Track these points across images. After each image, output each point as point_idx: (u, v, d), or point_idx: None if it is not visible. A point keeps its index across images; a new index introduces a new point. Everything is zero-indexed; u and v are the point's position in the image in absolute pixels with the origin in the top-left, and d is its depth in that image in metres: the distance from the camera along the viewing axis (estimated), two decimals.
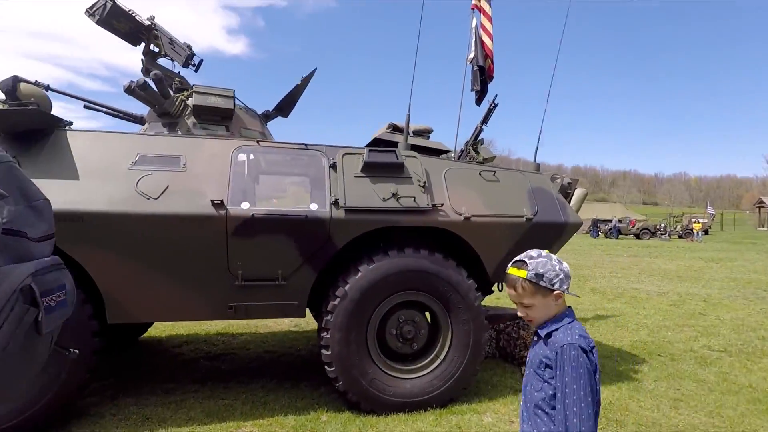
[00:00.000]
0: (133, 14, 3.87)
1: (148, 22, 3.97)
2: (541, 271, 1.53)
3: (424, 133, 4.41)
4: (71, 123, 3.48)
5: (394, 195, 3.57)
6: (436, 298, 3.70)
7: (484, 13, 5.52)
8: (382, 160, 3.66)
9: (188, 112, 3.93)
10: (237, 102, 4.12)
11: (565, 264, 1.59)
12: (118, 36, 3.96)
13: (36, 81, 3.78)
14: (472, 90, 5.72)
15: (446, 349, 3.75)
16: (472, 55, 5.69)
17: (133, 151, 3.31)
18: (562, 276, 1.54)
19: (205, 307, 3.40)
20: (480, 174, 3.99)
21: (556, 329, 1.54)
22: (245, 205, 3.30)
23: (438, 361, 3.75)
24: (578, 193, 4.53)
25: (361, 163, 3.62)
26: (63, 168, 3.14)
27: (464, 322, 3.73)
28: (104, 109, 4.16)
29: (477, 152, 5.15)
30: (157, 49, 4.05)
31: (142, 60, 4.07)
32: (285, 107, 4.61)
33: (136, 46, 4.08)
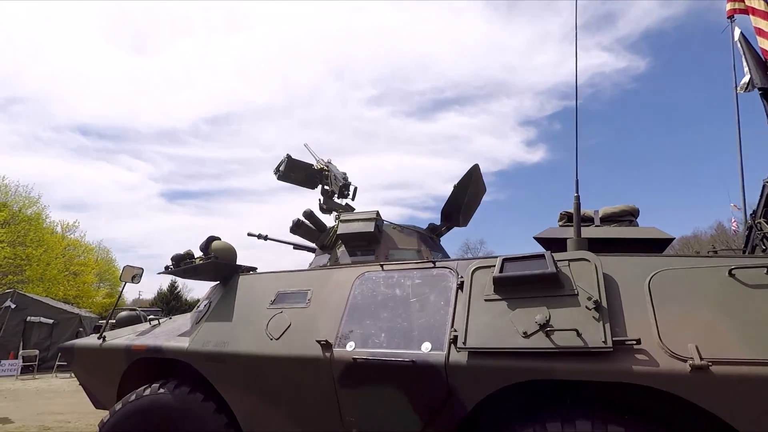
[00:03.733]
0: (308, 164, 4.32)
1: (320, 166, 4.33)
2: None
3: (623, 217, 2.77)
4: (255, 268, 3.92)
5: (543, 327, 2.25)
6: None
7: (755, 11, 3.50)
8: (523, 271, 2.44)
9: (339, 241, 3.85)
10: (388, 222, 3.79)
11: None
12: (297, 184, 4.46)
13: (258, 234, 4.57)
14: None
15: None
16: (746, 79, 3.60)
17: (275, 289, 3.38)
18: None
19: None
20: (733, 275, 2.11)
21: None
22: (350, 346, 2.75)
23: None
24: None
25: (491, 278, 2.52)
26: (228, 310, 3.48)
27: None
28: (306, 248, 4.60)
29: None
30: (328, 188, 4.31)
31: (319, 200, 4.39)
32: (452, 214, 3.93)
33: (314, 189, 4.49)
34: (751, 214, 3.26)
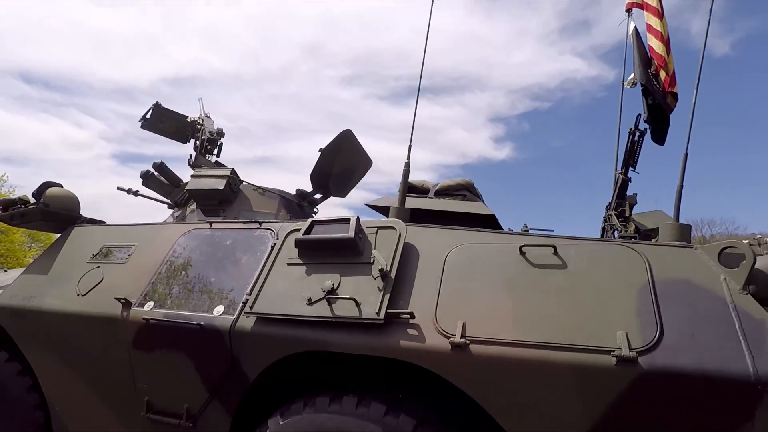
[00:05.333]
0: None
1: (193, 119, 4.01)
2: None
3: (458, 191, 2.62)
4: (102, 222, 3.58)
5: (328, 294, 2.06)
6: None
7: (648, 7, 3.41)
8: (325, 235, 2.25)
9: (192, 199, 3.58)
10: (248, 183, 3.54)
11: None
12: (165, 135, 4.13)
13: (129, 189, 4.20)
14: (645, 121, 3.43)
15: None
16: (632, 77, 3.52)
17: (102, 242, 3.07)
18: None
19: None
20: (523, 253, 1.97)
21: None
22: (149, 306, 2.49)
23: None
24: None
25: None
26: (48, 263, 3.14)
27: None
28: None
29: (626, 220, 2.85)
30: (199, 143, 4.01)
31: (190, 156, 4.09)
32: (322, 182, 3.69)
33: (185, 143, 4.17)
34: (606, 206, 3.19)
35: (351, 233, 2.17)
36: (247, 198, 3.59)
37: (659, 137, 3.59)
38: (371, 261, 2.13)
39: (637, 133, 3.13)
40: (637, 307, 1.68)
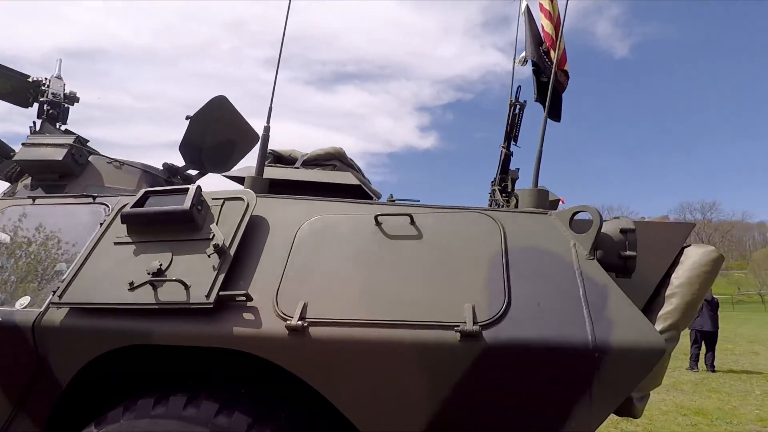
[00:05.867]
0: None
1: (37, 78, 3.40)
2: None
3: (328, 160, 2.39)
4: None
5: (155, 277, 1.73)
6: None
7: None
8: (156, 208, 1.91)
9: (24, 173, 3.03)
10: (102, 156, 3.05)
11: None
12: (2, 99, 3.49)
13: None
14: (535, 100, 3.39)
15: None
16: (524, 54, 3.47)
17: None
18: None
19: None
20: (379, 224, 1.78)
21: None
22: None
23: None
24: (698, 255, 1.74)
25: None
26: None
27: None
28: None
29: (509, 195, 2.78)
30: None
31: (33, 123, 3.47)
32: (195, 155, 3.28)
33: (27, 107, 3.56)
34: (491, 182, 3.14)
35: (186, 205, 1.85)
36: (98, 172, 3.08)
37: (554, 114, 3.60)
38: (210, 237, 1.83)
39: (517, 106, 3.09)
40: (488, 278, 1.55)
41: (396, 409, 1.52)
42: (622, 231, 1.59)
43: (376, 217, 1.77)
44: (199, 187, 1.94)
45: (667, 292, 1.73)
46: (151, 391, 1.77)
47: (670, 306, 1.70)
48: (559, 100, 3.51)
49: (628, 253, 1.56)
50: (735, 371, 10.10)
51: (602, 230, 1.62)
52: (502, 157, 3.07)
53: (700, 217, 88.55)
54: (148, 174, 3.31)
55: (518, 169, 3.13)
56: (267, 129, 2.27)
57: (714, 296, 10.67)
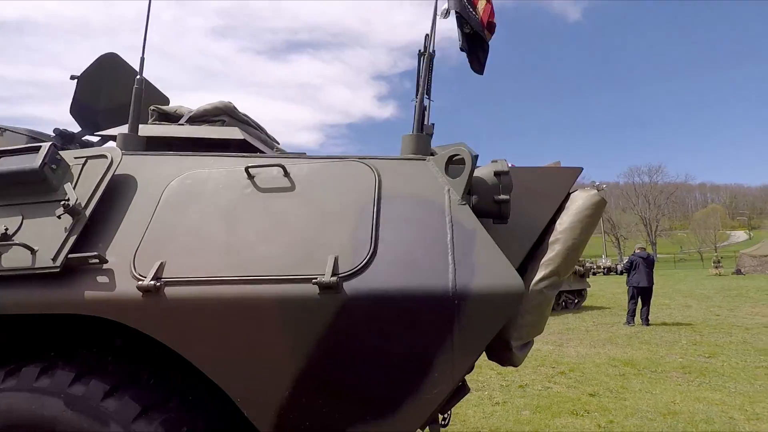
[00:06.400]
0: None
1: None
2: None
3: (216, 116, 2.24)
4: None
5: (2, 240, 1.55)
6: None
7: None
8: (2, 168, 1.71)
9: None
10: None
11: None
12: None
13: None
14: (461, 49, 3.28)
15: None
16: (446, 5, 3.33)
17: None
18: None
19: None
20: (251, 177, 1.66)
21: None
22: None
23: None
24: (581, 200, 1.73)
25: None
26: None
27: None
28: None
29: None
30: None
31: None
32: (88, 118, 3.01)
33: None
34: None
35: (36, 164, 1.67)
36: None
37: (478, 67, 3.52)
38: (66, 198, 1.65)
39: (428, 56, 2.98)
40: (355, 228, 1.48)
41: (261, 368, 1.44)
42: (496, 174, 1.54)
43: (246, 170, 1.65)
44: (53, 145, 1.75)
45: (551, 238, 1.72)
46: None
47: (552, 252, 1.68)
48: (484, 53, 3.43)
49: (501, 197, 1.52)
50: (667, 324, 10.77)
51: (477, 174, 1.56)
52: (417, 111, 2.97)
53: (647, 179, 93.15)
54: (35, 141, 3.03)
55: (433, 124, 3.05)
56: (140, 81, 2.07)
57: (650, 253, 11.26)
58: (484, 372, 6.60)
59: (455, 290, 1.31)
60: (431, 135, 3.04)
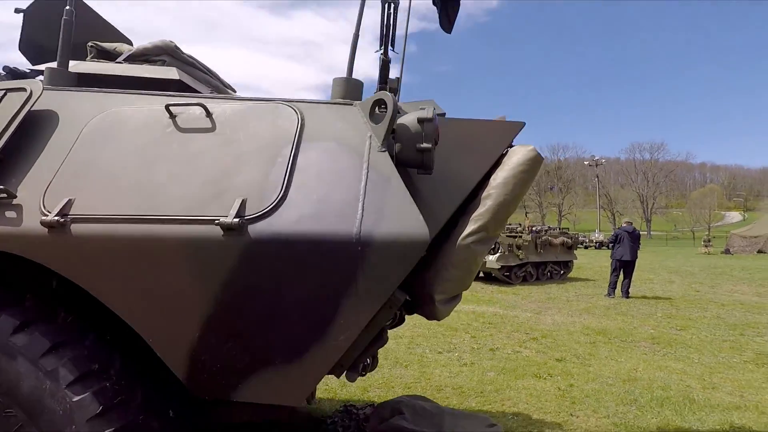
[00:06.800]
0: None
1: None
2: None
3: (158, 55, 2.14)
4: None
5: None
6: None
7: None
8: None
9: None
10: None
11: None
12: None
13: None
14: (433, 3, 3.13)
15: None
16: None
17: None
18: None
19: None
20: (172, 117, 1.59)
21: None
22: None
23: None
24: (517, 156, 1.69)
25: None
26: None
27: None
28: None
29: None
30: None
31: None
32: (40, 60, 2.89)
33: None
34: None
35: None
36: None
37: (446, 25, 3.38)
38: None
39: (390, 5, 2.85)
40: (270, 170, 1.43)
41: (170, 309, 1.43)
42: (420, 121, 1.48)
43: (167, 108, 1.58)
44: None
45: (484, 193, 1.68)
46: None
47: (483, 208, 1.64)
48: (454, 12, 3.30)
49: (423, 145, 1.46)
50: (647, 297, 10.92)
51: (401, 122, 1.50)
52: (381, 64, 2.87)
53: (648, 156, 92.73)
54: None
55: (398, 78, 2.95)
56: (69, 13, 1.96)
57: (635, 228, 11.29)
58: (459, 335, 6.71)
59: (359, 237, 1.27)
60: (396, 89, 2.95)
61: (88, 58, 2.26)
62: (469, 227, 1.63)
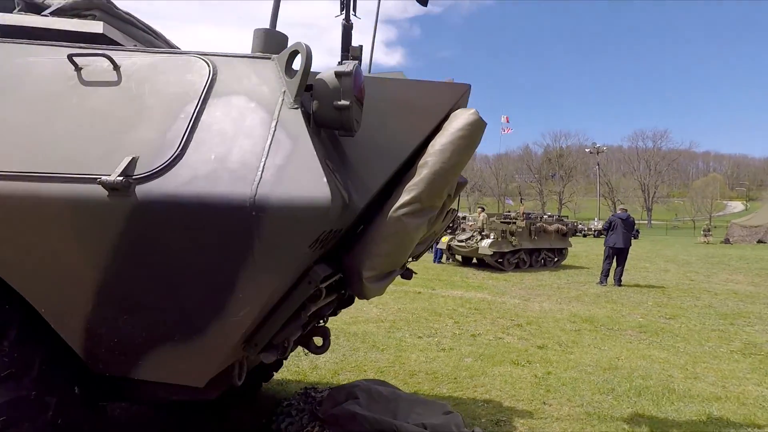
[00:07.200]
0: None
1: None
2: None
3: (88, 10, 1.97)
4: None
5: None
6: None
7: None
8: None
9: None
10: None
11: None
12: None
13: None
14: None
15: None
16: None
17: None
18: None
19: None
20: (77, 69, 1.44)
21: None
22: None
23: None
24: (456, 120, 1.53)
25: None
26: None
27: None
28: None
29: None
30: None
31: None
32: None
33: None
34: (338, 63, 2.79)
35: None
36: None
37: None
38: None
39: None
40: (169, 126, 1.28)
41: (61, 276, 1.29)
42: (337, 75, 1.32)
43: (70, 58, 1.43)
44: None
45: (420, 161, 1.53)
46: None
47: (417, 177, 1.49)
48: None
49: (341, 102, 1.31)
50: (640, 285, 10.80)
51: (320, 77, 1.34)
52: (342, 30, 2.69)
53: (651, 145, 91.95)
54: None
55: (361, 46, 2.78)
56: None
57: (630, 215, 11.12)
58: (442, 320, 6.61)
59: (254, 200, 1.13)
60: (358, 57, 2.78)
61: (16, 10, 2.09)
62: (402, 198, 1.48)
